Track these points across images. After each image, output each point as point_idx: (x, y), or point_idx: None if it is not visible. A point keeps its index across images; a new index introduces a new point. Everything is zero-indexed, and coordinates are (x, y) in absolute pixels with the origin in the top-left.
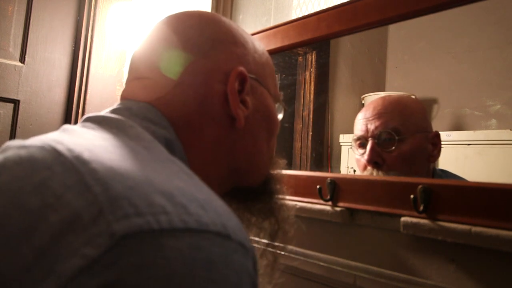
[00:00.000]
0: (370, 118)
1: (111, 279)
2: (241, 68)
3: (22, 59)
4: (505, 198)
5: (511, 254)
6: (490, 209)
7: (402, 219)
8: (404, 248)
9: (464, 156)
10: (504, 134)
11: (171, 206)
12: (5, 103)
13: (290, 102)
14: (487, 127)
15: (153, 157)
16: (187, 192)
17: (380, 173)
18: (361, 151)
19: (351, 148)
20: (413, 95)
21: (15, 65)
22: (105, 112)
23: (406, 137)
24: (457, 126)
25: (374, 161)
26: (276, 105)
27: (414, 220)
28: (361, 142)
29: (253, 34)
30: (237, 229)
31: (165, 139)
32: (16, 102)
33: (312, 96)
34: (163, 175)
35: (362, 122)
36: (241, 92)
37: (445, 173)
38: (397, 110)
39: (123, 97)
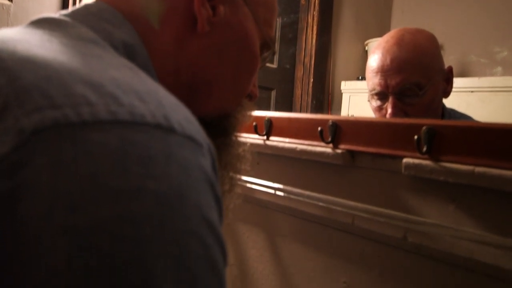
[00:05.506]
0: (390, 72)
1: (22, 181)
2: None
3: None
4: (510, 139)
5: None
6: (495, 149)
7: (404, 160)
8: (405, 189)
9: (466, 103)
10: (509, 81)
11: (97, 97)
12: None
13: (290, 44)
14: (492, 75)
15: (89, 51)
16: (122, 83)
17: None
18: (379, 102)
19: (370, 96)
20: None
21: (2, 4)
22: (59, 13)
23: (428, 89)
24: (462, 73)
25: (397, 116)
26: (267, 53)
27: (416, 161)
28: (380, 96)
29: None
30: (185, 122)
31: (123, 43)
32: None
33: (314, 41)
34: (95, 66)
35: (380, 76)
36: None
37: (453, 111)
38: (416, 60)
39: None
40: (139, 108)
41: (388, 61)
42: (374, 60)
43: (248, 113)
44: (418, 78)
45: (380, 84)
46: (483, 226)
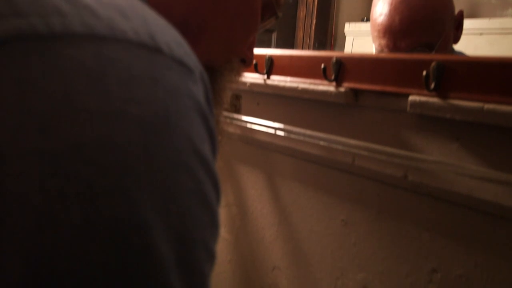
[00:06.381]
0: (398, 35)
1: None
2: None
3: None
4: None
5: None
6: (506, 85)
7: (410, 98)
8: (408, 128)
9: (474, 46)
10: None
11: (71, 7)
12: None
13: None
14: (503, 16)
15: None
16: None
17: None
18: None
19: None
20: None
21: None
22: None
23: (439, 45)
24: (471, 14)
25: None
26: (269, 18)
27: (423, 98)
28: None
29: None
30: (175, 44)
31: None
32: None
33: None
34: None
35: (387, 38)
36: None
37: (462, 55)
38: (427, 19)
39: None
40: (120, 23)
41: (396, 21)
42: (380, 16)
43: (237, 76)
44: (429, 38)
45: (388, 46)
46: (486, 163)
